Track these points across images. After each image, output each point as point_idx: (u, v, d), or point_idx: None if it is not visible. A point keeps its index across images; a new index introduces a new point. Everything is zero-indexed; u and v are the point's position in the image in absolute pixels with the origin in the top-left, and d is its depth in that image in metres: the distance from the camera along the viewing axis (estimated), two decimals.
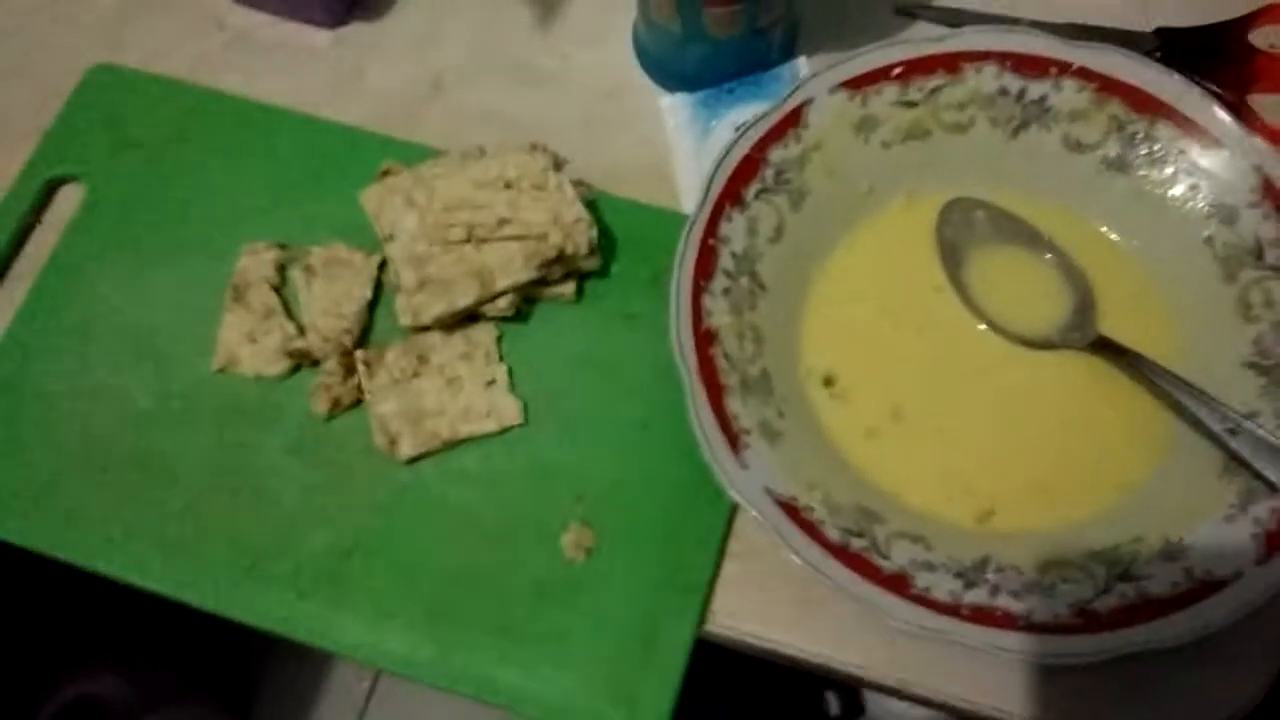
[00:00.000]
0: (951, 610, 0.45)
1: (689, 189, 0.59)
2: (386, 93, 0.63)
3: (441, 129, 0.61)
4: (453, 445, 0.52)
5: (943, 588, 0.46)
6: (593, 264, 0.54)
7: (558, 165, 0.55)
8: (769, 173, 0.54)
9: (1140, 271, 0.54)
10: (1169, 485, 0.50)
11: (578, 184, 0.57)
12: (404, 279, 0.51)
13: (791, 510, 0.47)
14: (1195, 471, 0.49)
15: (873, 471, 0.51)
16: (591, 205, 0.56)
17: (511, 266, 0.51)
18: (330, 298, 0.54)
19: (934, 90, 0.55)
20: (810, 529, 0.47)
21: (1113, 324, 0.53)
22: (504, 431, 0.52)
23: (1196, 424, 0.49)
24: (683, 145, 0.60)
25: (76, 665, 0.91)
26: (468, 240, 0.51)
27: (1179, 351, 0.52)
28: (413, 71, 0.64)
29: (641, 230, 0.57)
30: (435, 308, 0.51)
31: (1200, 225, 0.53)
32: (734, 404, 0.49)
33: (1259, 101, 0.59)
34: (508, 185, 0.52)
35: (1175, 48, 0.60)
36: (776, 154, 0.54)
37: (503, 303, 0.52)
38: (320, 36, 0.65)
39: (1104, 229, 0.55)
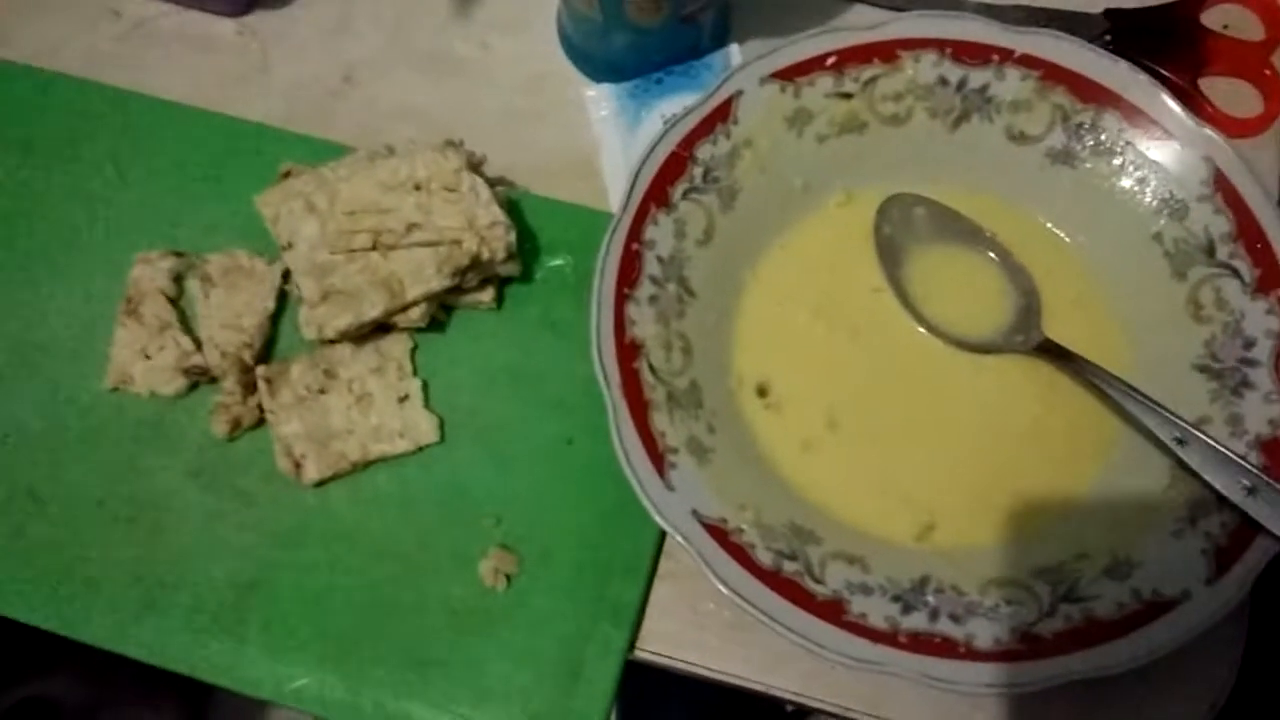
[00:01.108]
0: (888, 638, 0.43)
1: (617, 185, 0.55)
2: (294, 86, 0.59)
3: (353, 125, 0.58)
4: (363, 467, 0.49)
5: (879, 613, 0.43)
6: (512, 269, 0.51)
7: (474, 164, 0.52)
8: (697, 171, 0.50)
9: (1087, 269, 0.52)
10: (1115, 496, 0.48)
11: (498, 182, 0.53)
12: (305, 291, 0.48)
13: (720, 534, 0.44)
14: (1142, 482, 0.47)
15: (808, 486, 0.48)
16: (512, 205, 0.53)
17: (423, 275, 0.48)
18: (230, 309, 0.50)
19: (870, 80, 0.52)
20: (739, 554, 0.44)
21: (1058, 326, 0.50)
22: (419, 451, 0.49)
23: (1144, 432, 0.47)
24: (610, 139, 0.57)
25: (29, 666, 0.88)
26: (374, 248, 0.48)
27: (1127, 354, 0.50)
28: (322, 63, 0.60)
29: (567, 231, 0.54)
30: (340, 321, 0.48)
31: (1149, 220, 0.50)
32: (660, 420, 0.46)
33: (1211, 85, 0.57)
34: (417, 187, 0.49)
35: (1125, 30, 0.58)
36: (704, 151, 0.51)
37: (415, 313, 0.49)
38: (223, 26, 0.61)
39: (1049, 225, 0.52)
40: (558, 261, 0.53)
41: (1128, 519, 0.46)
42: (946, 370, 0.51)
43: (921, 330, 0.51)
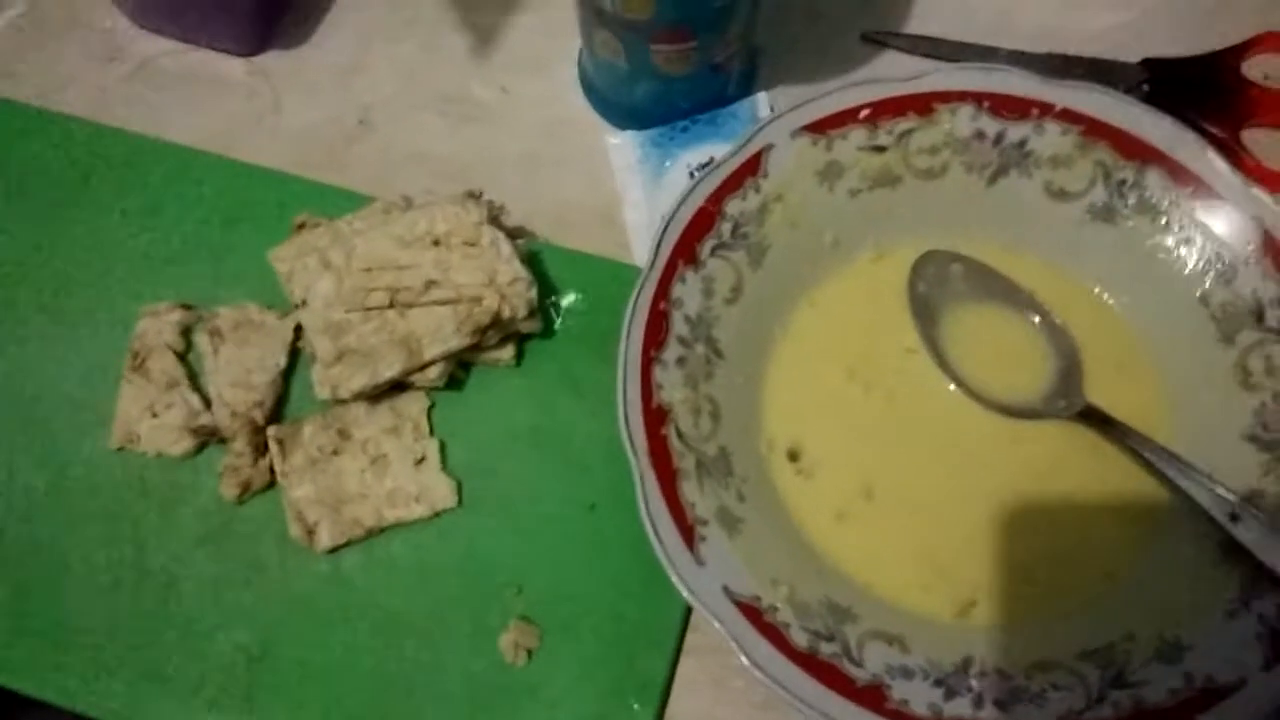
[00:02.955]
0: None
1: (640, 236, 0.54)
2: (307, 130, 0.57)
3: (368, 171, 0.56)
4: (378, 533, 0.47)
5: (921, 699, 0.41)
6: (533, 326, 0.49)
7: (494, 217, 0.50)
8: (726, 226, 0.49)
9: (1130, 332, 0.50)
10: (1163, 573, 0.45)
11: (518, 234, 0.52)
12: (320, 350, 0.46)
13: (753, 613, 0.42)
14: (1191, 558, 0.45)
15: (843, 559, 0.46)
16: (533, 258, 0.51)
17: (441, 334, 0.46)
18: (240, 366, 0.48)
19: (905, 134, 0.50)
20: (774, 635, 0.42)
21: (1101, 391, 0.48)
22: (436, 516, 0.47)
23: (1192, 505, 0.44)
24: (633, 188, 0.55)
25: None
26: (391, 305, 0.46)
27: (1173, 422, 0.48)
28: (336, 106, 0.58)
29: (588, 284, 0.52)
30: (356, 381, 0.46)
31: (1195, 282, 0.48)
32: (689, 490, 0.44)
33: (1253, 137, 0.55)
34: (436, 242, 0.47)
35: (1163, 80, 0.56)
36: (734, 206, 0.49)
37: (433, 372, 0.47)
38: (233, 66, 0.60)
39: (1091, 285, 0.50)
40: (578, 316, 0.51)
41: (1177, 598, 0.44)
42: (985, 436, 0.49)
43: (958, 393, 0.49)
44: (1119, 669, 0.42)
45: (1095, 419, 0.47)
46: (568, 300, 0.51)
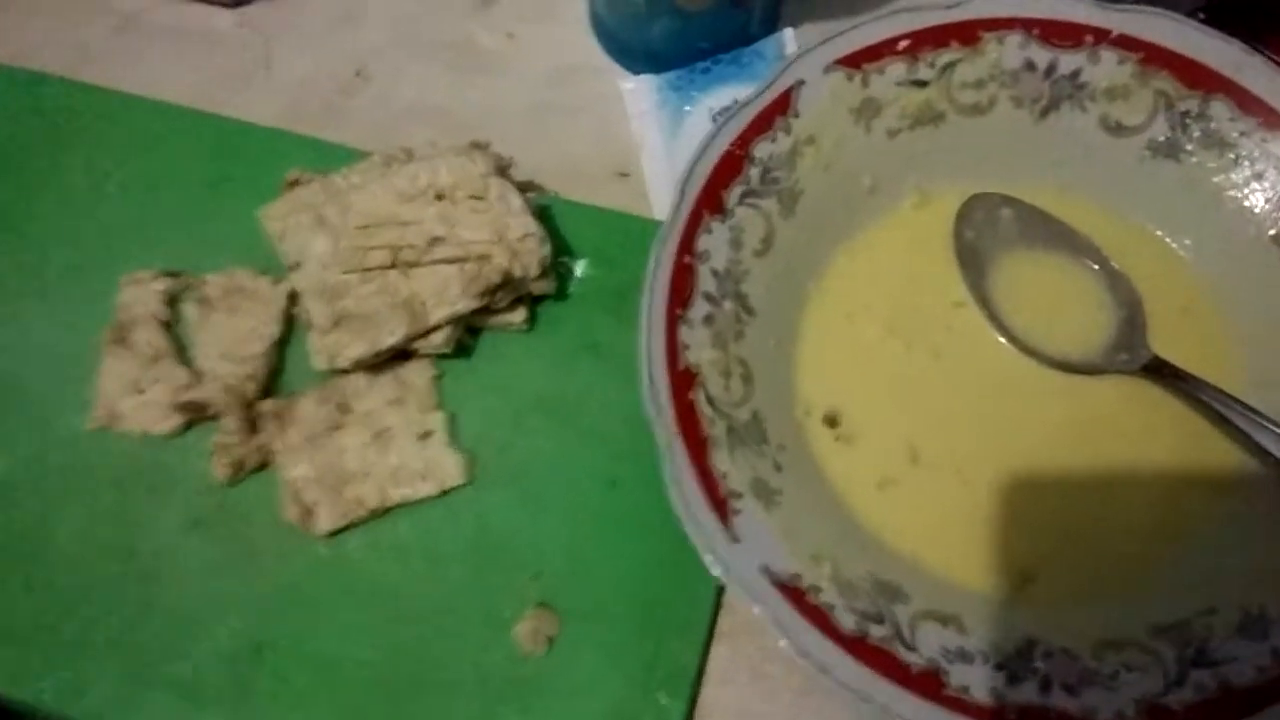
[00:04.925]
0: (997, 715, 0.37)
1: (660, 188, 0.50)
2: (300, 84, 0.54)
3: (366, 126, 0.52)
4: (382, 514, 0.43)
5: (983, 685, 0.37)
6: (546, 286, 0.45)
7: (501, 168, 0.46)
8: (754, 172, 0.45)
9: (1197, 278, 0.46)
10: (1242, 539, 0.41)
11: (527, 188, 0.48)
12: (315, 316, 0.42)
13: (795, 594, 0.38)
14: (1271, 521, 0.41)
15: (890, 531, 0.42)
16: (544, 214, 0.47)
17: (447, 295, 0.42)
18: (231, 336, 0.45)
19: (947, 66, 0.46)
20: (820, 618, 0.38)
21: (1167, 342, 0.44)
22: (444, 494, 0.44)
23: (1269, 463, 0.40)
24: (651, 136, 0.51)
25: None
26: (392, 265, 0.42)
27: (1247, 374, 0.44)
28: (331, 58, 0.54)
29: (605, 241, 0.48)
30: (355, 349, 0.42)
31: (1267, 220, 0.45)
32: (721, 460, 0.40)
33: None
34: (440, 196, 0.43)
35: (1223, 4, 0.51)
36: (762, 149, 0.45)
37: (439, 338, 0.43)
38: (222, 18, 0.56)
39: (1152, 227, 0.46)
40: (595, 275, 0.48)
41: (1260, 565, 0.40)
42: (1041, 394, 0.45)
43: (1011, 349, 0.45)
44: (1199, 646, 0.39)
45: (1161, 372, 0.43)
46: (583, 258, 0.48)
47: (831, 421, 0.44)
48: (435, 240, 0.43)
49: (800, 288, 0.46)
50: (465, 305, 0.43)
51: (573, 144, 0.51)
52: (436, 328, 0.43)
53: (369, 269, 0.42)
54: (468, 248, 0.43)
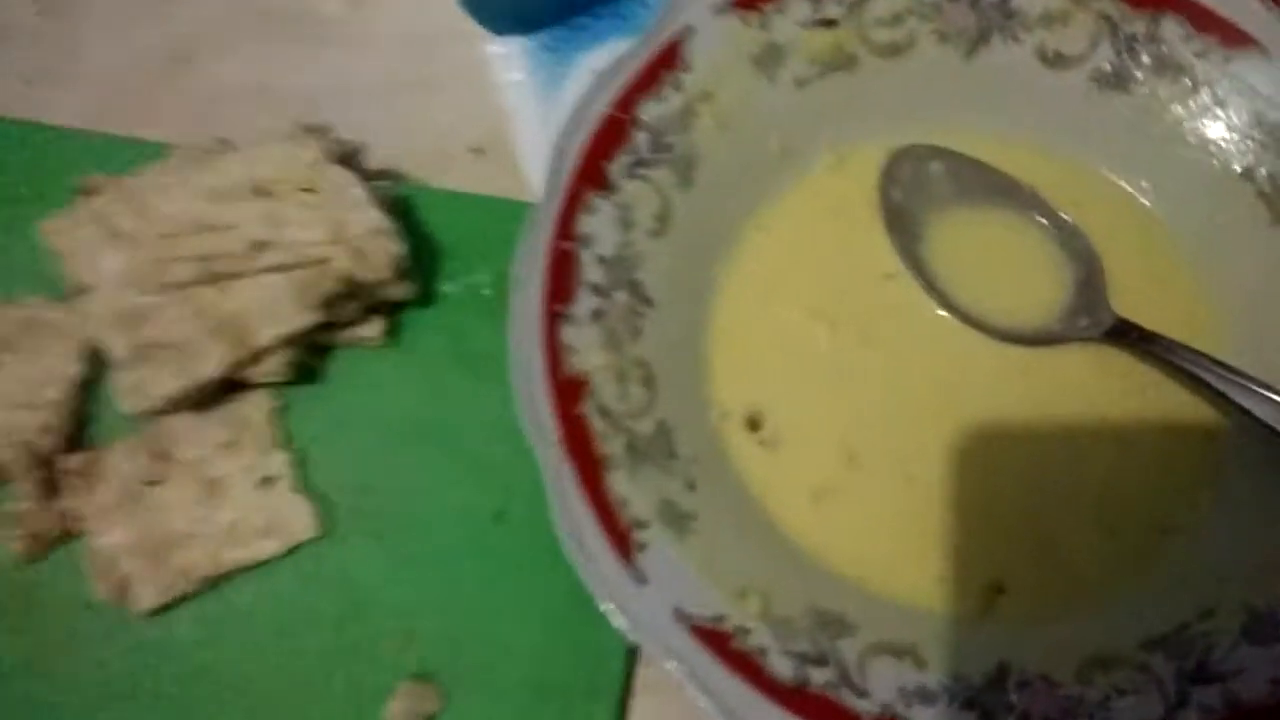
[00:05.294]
0: None
1: (538, 166, 0.42)
2: (112, 74, 0.46)
3: (189, 115, 0.45)
4: (217, 582, 0.36)
5: None
6: (406, 291, 0.38)
7: (342, 155, 0.38)
8: (641, 138, 0.38)
9: (1160, 225, 0.40)
10: (1233, 523, 0.36)
11: (380, 177, 0.40)
12: (114, 347, 0.34)
13: (718, 640, 0.32)
14: (1266, 500, 0.35)
15: (828, 551, 0.36)
16: (401, 206, 0.40)
17: (277, 312, 0.35)
18: (22, 381, 0.37)
19: (858, 1, 0.39)
20: (748, 667, 0.32)
21: (1131, 302, 0.39)
22: (293, 552, 0.36)
23: (1259, 431, 0.34)
24: (525, 107, 0.44)
25: None
26: (205, 280, 0.35)
27: (1223, 331, 0.39)
28: (148, 41, 0.47)
29: (477, 233, 0.42)
30: (166, 385, 0.35)
31: (1235, 155, 0.39)
32: (620, 482, 0.34)
33: None
34: (262, 191, 0.36)
35: None
36: (650, 110, 0.38)
37: (273, 363, 0.36)
38: (21, 7, 0.48)
39: (1106, 172, 0.41)
40: (467, 274, 0.41)
41: (1262, 554, 0.35)
42: (992, 373, 0.39)
43: (954, 322, 0.39)
44: (1200, 658, 0.33)
45: (1128, 336, 0.38)
46: (452, 255, 0.41)
47: (753, 424, 0.38)
48: (258, 245, 0.35)
49: (706, 271, 0.39)
50: (301, 321, 0.35)
51: (434, 121, 0.44)
52: (268, 351, 0.36)
53: (176, 285, 0.35)
54: (299, 252, 0.35)
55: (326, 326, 0.37)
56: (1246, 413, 0.35)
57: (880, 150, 0.41)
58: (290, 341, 0.36)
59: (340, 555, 0.36)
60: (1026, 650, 0.33)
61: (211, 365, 0.35)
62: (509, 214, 0.41)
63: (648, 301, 0.37)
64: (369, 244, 0.36)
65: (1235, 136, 0.39)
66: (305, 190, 0.36)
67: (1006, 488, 0.37)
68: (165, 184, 0.36)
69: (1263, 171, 0.38)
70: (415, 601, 0.36)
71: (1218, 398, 0.36)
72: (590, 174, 0.37)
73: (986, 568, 0.36)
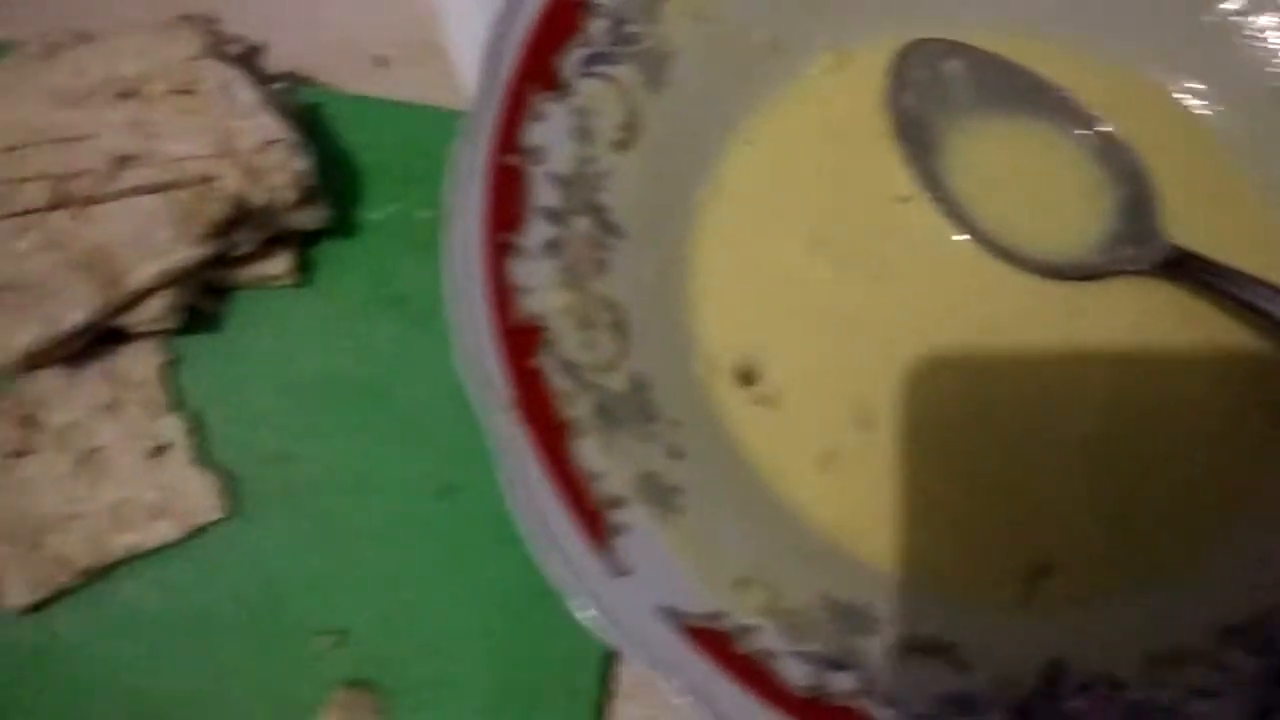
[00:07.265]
0: None
1: (474, 64, 0.35)
2: None
3: (46, 14, 0.37)
4: (103, 573, 0.29)
5: None
6: (316, 218, 0.32)
7: (237, 56, 0.31)
8: (599, 25, 0.32)
9: (1218, 139, 0.35)
10: None
11: (280, 80, 0.33)
12: None
13: (715, 642, 0.26)
14: None
15: (839, 527, 0.30)
16: (309, 115, 0.33)
17: (152, 241, 0.28)
18: None
19: None
20: (754, 673, 0.26)
21: (1186, 228, 0.33)
22: (195, 535, 0.30)
23: None
24: None
25: None
26: (57, 205, 0.27)
27: None
28: None
29: (405, 148, 0.36)
30: (21, 335, 0.28)
31: None
32: (589, 452, 0.27)
33: None
34: (127, 94, 0.28)
35: None
36: None
37: (155, 306, 0.29)
38: None
39: (1153, 75, 0.35)
40: (397, 201, 0.34)
41: None
42: (1026, 312, 0.33)
43: (979, 252, 0.34)
44: None
45: (1185, 268, 0.33)
46: (373, 175, 0.34)
47: (747, 378, 0.32)
48: (124, 160, 0.28)
49: (684, 194, 0.33)
50: (184, 255, 0.28)
51: (349, 16, 0.37)
52: (149, 292, 0.29)
53: (22, 213, 0.27)
54: (176, 168, 0.28)
55: (221, 262, 0.30)
56: None
57: (887, 47, 0.35)
58: (175, 280, 0.29)
59: (252, 539, 0.30)
60: (1081, 641, 0.29)
61: (78, 310, 0.28)
62: (443, 125, 0.34)
63: (614, 230, 0.31)
64: (263, 159, 0.29)
65: None
66: (181, 92, 0.29)
67: (1051, 450, 0.31)
68: (4, 85, 0.28)
69: None
70: (346, 594, 0.30)
71: None
72: (536, 71, 0.30)
73: (1030, 544, 0.31)
